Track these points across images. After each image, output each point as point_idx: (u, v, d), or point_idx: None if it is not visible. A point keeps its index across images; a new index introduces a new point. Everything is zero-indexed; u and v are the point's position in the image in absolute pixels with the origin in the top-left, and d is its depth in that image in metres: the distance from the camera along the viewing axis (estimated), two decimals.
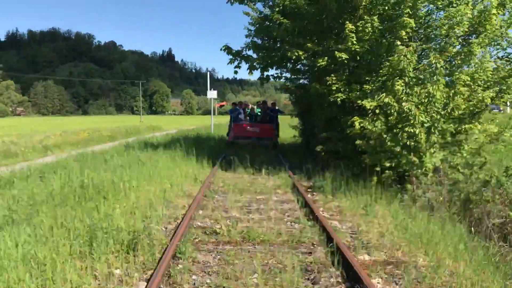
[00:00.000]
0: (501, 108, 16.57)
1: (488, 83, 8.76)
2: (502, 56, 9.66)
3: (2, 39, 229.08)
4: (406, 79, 7.67)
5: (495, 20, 8.60)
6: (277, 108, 18.58)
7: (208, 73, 58.75)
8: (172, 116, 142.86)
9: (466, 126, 8.33)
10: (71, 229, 4.64)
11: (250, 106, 19.63)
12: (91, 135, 24.47)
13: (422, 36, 9.32)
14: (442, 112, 7.48)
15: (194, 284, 3.91)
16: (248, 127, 16.29)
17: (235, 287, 3.79)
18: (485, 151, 9.44)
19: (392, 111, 7.58)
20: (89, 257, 4.11)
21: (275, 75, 13.04)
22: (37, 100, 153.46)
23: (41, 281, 3.55)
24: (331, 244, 4.78)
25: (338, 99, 8.98)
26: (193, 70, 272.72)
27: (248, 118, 17.57)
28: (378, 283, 3.97)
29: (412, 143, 7.32)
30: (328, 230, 5.25)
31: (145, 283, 3.78)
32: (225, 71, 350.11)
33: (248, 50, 12.74)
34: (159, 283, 3.73)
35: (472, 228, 6.13)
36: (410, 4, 8.30)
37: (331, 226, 5.67)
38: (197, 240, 5.20)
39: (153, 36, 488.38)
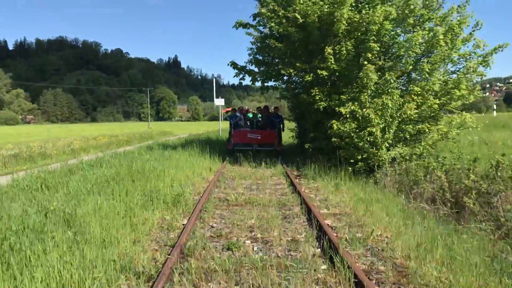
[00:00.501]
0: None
1: (440, 93, 11.30)
2: (454, 71, 12.18)
3: (11, 48, 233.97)
4: (369, 91, 10.25)
5: (443, 44, 11.15)
6: (279, 113, 17.50)
7: (214, 79, 61.67)
8: (179, 123, 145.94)
9: (420, 126, 10.86)
10: (135, 195, 7.25)
11: (251, 110, 19.41)
12: (110, 140, 27.24)
13: (386, 56, 11.87)
14: (395, 115, 10.01)
15: (216, 223, 6.48)
16: (249, 134, 15.75)
17: (240, 225, 6.35)
18: (442, 145, 12.05)
19: (358, 115, 10.16)
20: (150, 209, 6.70)
21: (274, 86, 15.67)
22: (46, 108, 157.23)
23: (126, 220, 6.12)
24: (305, 205, 7.34)
25: (321, 107, 11.56)
26: (199, 77, 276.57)
27: (248, 124, 17.18)
28: (328, 222, 6.51)
29: (371, 139, 9.87)
30: (304, 198, 7.80)
31: (186, 221, 6.37)
32: (230, 77, 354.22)
33: (251, 65, 15.45)
34: (195, 220, 6.31)
35: (411, 199, 8.65)
36: (375, 33, 10.88)
37: (308, 197, 8.23)
38: (215, 203, 7.78)
39: (159, 43, 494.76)
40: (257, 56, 15.95)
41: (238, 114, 17.19)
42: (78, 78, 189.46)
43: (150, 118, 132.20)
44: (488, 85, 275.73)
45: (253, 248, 5.22)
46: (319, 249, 5.15)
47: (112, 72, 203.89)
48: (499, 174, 7.22)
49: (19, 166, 16.63)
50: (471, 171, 7.89)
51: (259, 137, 15.60)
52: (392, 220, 6.28)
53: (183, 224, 6.20)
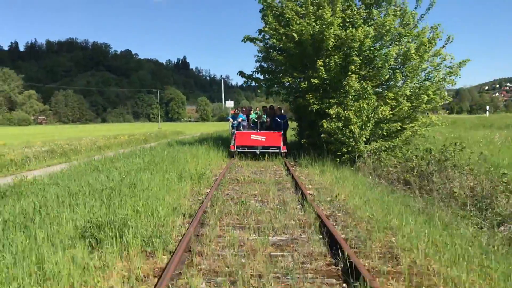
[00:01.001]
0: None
1: (412, 97, 13.91)
2: (426, 79, 14.76)
3: (22, 50, 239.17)
4: (350, 97, 12.93)
5: (416, 57, 13.76)
6: (282, 113, 17.56)
7: (223, 80, 64.50)
8: (188, 123, 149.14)
9: (393, 125, 13.49)
10: (170, 173, 10.01)
11: (257, 110, 18.93)
12: (130, 139, 30.16)
13: (369, 67, 14.49)
14: (370, 116, 12.67)
15: (230, 192, 9.19)
16: (253, 135, 15.39)
17: (247, 193, 9.05)
18: (423, 141, 14.70)
19: (341, 116, 12.84)
20: (183, 182, 9.44)
21: (276, 91, 18.35)
22: (58, 109, 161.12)
23: (168, 188, 8.84)
24: (294, 182, 10.03)
25: (314, 109, 14.24)
26: (208, 78, 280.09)
27: (252, 125, 16.89)
28: (309, 192, 9.19)
29: (352, 135, 12.54)
30: (295, 178, 10.50)
31: (209, 190, 9.10)
32: (238, 78, 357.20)
33: (257, 73, 18.18)
34: (214, 190, 9.03)
35: (383, 181, 11.28)
36: (357, 49, 13.54)
37: (298, 177, 10.93)
38: (228, 181, 10.50)
39: (168, 44, 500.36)
40: (262, 63, 18.64)
41: (241, 115, 16.73)
42: (88, 79, 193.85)
43: (159, 119, 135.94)
44: (498, 86, 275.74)
45: (255, 204, 7.93)
46: (300, 205, 7.83)
47: (122, 73, 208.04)
48: (437, 158, 9.88)
49: (56, 160, 19.54)
50: (421, 158, 10.55)
51: (263, 139, 15.27)
52: (354, 190, 8.94)
53: (207, 192, 8.94)
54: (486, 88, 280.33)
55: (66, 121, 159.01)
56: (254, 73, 18.07)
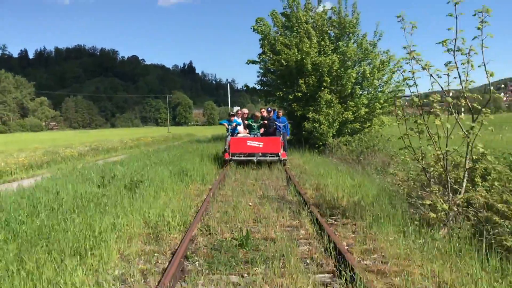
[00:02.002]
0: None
1: (369, 105, 19.68)
2: (380, 90, 20.51)
3: (31, 57, 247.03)
4: (321, 105, 18.75)
5: (370, 76, 19.54)
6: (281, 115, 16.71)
7: (228, 84, 70.38)
8: (195, 127, 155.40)
9: (353, 125, 19.26)
10: (190, 161, 15.87)
11: (258, 114, 16.63)
12: (152, 140, 36.18)
13: (338, 83, 20.28)
14: (335, 119, 18.46)
15: (234, 167, 15.01)
16: (249, 141, 14.38)
17: (248, 171, 14.84)
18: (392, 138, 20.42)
19: (316, 119, 18.66)
20: (211, 161, 15.27)
21: (273, 100, 24.20)
22: (68, 115, 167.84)
23: (203, 162, 14.65)
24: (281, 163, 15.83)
25: (298, 114, 20.05)
26: (214, 82, 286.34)
27: (248, 130, 15.87)
28: (288, 166, 14.96)
29: (322, 132, 18.35)
30: (284, 163, 16.29)
31: (216, 176, 14.94)
32: (244, 81, 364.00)
33: (258, 85, 24.13)
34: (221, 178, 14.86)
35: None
36: (327, 71, 19.34)
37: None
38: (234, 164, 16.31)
39: (174, 49, 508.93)
40: (262, 78, 24.55)
41: (235, 119, 15.69)
42: (97, 85, 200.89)
43: (167, 123, 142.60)
44: (503, 86, 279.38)
45: (255, 171, 13.73)
46: (284, 176, 13.56)
47: (129, 79, 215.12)
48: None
49: (103, 155, 25.46)
50: (365, 147, 16.29)
51: (261, 145, 14.26)
52: (315, 164, 14.73)
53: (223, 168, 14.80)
54: (492, 88, 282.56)
55: (77, 127, 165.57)
56: (256, 85, 24.08)
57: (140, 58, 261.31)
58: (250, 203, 8.08)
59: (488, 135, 23.11)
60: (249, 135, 15.49)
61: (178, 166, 12.52)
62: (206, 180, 11.22)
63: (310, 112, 18.98)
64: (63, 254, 4.67)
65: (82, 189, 8.11)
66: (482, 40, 6.05)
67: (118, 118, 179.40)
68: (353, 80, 19.37)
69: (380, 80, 20.14)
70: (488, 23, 6.13)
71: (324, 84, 19.29)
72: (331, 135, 18.60)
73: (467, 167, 6.49)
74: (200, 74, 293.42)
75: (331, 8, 21.39)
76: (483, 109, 6.23)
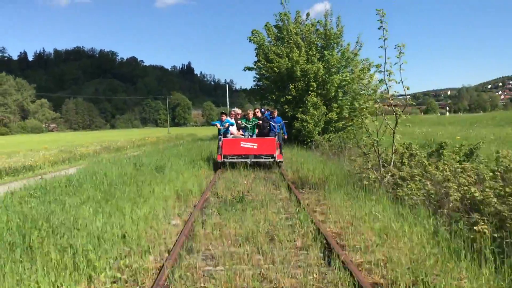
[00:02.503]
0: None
1: (350, 106, 22.72)
2: (359, 94, 23.53)
3: (30, 59, 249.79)
4: (308, 107, 21.78)
5: (350, 81, 22.57)
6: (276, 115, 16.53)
7: (227, 85, 73.28)
8: (195, 127, 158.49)
9: (336, 124, 22.29)
10: (198, 155, 18.89)
11: (250, 113, 16.10)
12: (157, 140, 39.18)
13: (324, 88, 23.29)
14: (320, 119, 21.47)
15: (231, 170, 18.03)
16: (243, 143, 14.04)
17: (241, 171, 17.84)
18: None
19: (303, 119, 21.68)
20: (210, 158, 18.30)
21: (267, 102, 27.20)
22: (69, 116, 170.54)
23: (206, 155, 17.65)
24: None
25: (289, 114, 23.06)
26: (212, 82, 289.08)
27: (241, 131, 15.55)
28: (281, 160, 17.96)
29: (309, 130, 21.36)
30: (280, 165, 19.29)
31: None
32: (243, 82, 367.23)
33: (255, 88, 27.16)
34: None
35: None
36: (313, 77, 22.37)
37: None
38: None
39: (173, 50, 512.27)
40: (258, 83, 27.57)
41: (227, 119, 15.24)
42: (96, 87, 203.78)
43: (166, 124, 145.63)
44: (501, 84, 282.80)
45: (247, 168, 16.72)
46: (278, 169, 16.50)
47: (129, 80, 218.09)
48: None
49: (115, 153, 28.41)
50: (344, 142, 19.28)
51: (255, 147, 13.99)
52: (302, 157, 17.72)
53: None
54: (489, 86, 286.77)
55: (77, 128, 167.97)
56: (253, 88, 27.14)
57: (139, 60, 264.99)
58: (245, 182, 11.08)
59: (461, 131, 26.20)
60: (242, 136, 15.14)
61: (189, 158, 15.52)
62: (211, 167, 14.18)
63: (299, 113, 21.98)
64: (128, 204, 7.68)
65: (122, 171, 11.13)
66: (400, 65, 9.14)
67: (118, 119, 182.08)
68: (336, 85, 22.37)
69: (360, 84, 23.14)
70: (404, 53, 9.18)
71: (311, 88, 22.29)
72: (317, 132, 21.61)
73: (394, 151, 9.55)
74: (198, 75, 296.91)
75: (318, 22, 24.41)
76: (405, 111, 9.25)
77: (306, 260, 5.03)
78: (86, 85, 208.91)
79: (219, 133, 15.17)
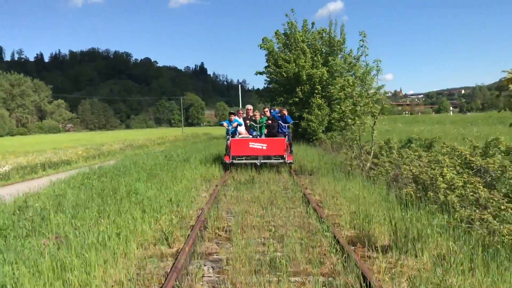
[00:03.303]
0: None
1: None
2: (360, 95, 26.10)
3: (47, 60, 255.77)
4: (313, 108, 24.43)
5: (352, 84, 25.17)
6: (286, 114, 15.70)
7: (239, 85, 75.85)
8: (208, 127, 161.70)
9: (340, 123, 24.91)
10: (215, 150, 21.66)
11: (257, 114, 15.57)
12: (175, 138, 42.14)
13: (325, 91, 25.90)
14: (324, 119, 24.10)
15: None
16: (251, 143, 13.67)
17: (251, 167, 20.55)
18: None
19: (309, 118, 24.34)
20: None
21: (277, 103, 29.90)
22: (84, 117, 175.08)
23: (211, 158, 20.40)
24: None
25: (296, 115, 25.73)
26: (225, 83, 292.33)
27: (251, 131, 15.14)
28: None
29: (313, 129, 24.01)
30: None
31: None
32: (255, 82, 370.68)
33: (265, 89, 29.92)
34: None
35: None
36: (318, 81, 25.01)
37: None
38: None
39: (186, 51, 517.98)
40: (268, 86, 30.29)
41: (236, 119, 14.82)
42: (111, 87, 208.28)
43: (180, 124, 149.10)
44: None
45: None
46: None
47: (143, 81, 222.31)
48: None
49: (138, 150, 31.36)
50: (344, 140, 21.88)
51: (264, 147, 13.63)
52: (305, 152, 20.38)
53: None
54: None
55: (93, 128, 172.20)
56: (264, 86, 30.01)
57: (152, 60, 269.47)
58: (256, 169, 13.83)
59: (451, 129, 28.57)
60: (250, 136, 14.77)
61: (208, 152, 18.30)
62: None
63: (305, 113, 24.65)
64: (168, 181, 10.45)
65: (156, 161, 13.95)
66: (377, 75, 11.77)
67: (132, 119, 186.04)
68: (338, 88, 24.92)
69: (362, 87, 25.67)
70: (380, 68, 11.81)
71: (316, 91, 24.94)
72: (321, 131, 24.25)
73: (373, 144, 12.22)
74: (211, 76, 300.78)
75: (323, 30, 27.03)
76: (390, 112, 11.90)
77: (294, 213, 7.72)
78: (101, 86, 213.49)
79: (227, 133, 14.68)
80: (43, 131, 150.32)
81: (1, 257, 4.84)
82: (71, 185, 10.40)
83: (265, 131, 15.31)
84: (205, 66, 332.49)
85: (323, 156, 16.73)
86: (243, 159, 13.71)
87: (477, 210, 6.06)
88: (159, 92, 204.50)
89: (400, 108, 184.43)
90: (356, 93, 13.76)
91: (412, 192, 7.57)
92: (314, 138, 24.48)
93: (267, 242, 5.72)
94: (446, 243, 5.27)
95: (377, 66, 12.06)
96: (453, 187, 6.97)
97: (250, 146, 13.67)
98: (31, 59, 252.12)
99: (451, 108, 79.05)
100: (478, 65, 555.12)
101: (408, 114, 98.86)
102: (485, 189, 6.48)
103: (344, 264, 4.75)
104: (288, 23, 27.58)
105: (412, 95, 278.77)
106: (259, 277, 4.42)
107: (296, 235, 5.94)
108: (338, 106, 24.90)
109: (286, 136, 14.81)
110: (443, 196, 6.85)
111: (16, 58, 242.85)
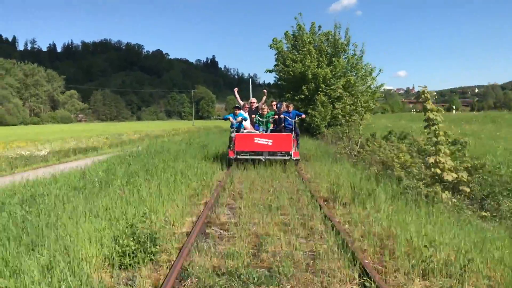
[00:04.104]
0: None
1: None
2: (362, 93, 28.76)
3: (59, 51, 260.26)
4: (317, 104, 27.14)
5: (353, 83, 27.85)
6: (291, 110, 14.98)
7: (250, 79, 78.60)
8: (219, 120, 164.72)
9: (341, 119, 27.63)
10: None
11: (265, 108, 14.99)
12: (188, 130, 45.06)
13: (328, 89, 28.56)
14: (326, 115, 26.80)
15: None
16: (256, 138, 13.41)
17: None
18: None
19: (313, 114, 27.05)
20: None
21: (285, 99, 32.61)
22: (96, 108, 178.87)
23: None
24: None
25: (302, 111, 28.41)
26: (236, 76, 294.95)
27: (257, 126, 14.75)
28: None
29: (317, 124, 26.73)
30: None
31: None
32: (266, 76, 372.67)
33: (274, 87, 32.68)
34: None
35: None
36: (322, 80, 27.69)
37: None
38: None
39: (197, 43, 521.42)
40: (278, 82, 33.02)
41: (241, 113, 14.53)
42: (123, 79, 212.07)
43: (190, 117, 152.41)
44: None
45: None
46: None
47: (154, 73, 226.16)
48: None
49: (156, 140, 34.25)
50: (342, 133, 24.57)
51: (270, 143, 13.37)
52: (310, 144, 23.10)
53: None
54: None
55: (104, 119, 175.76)
56: (274, 81, 32.81)
57: (164, 53, 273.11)
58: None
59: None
60: (256, 131, 14.42)
61: (222, 141, 21.13)
62: None
63: (310, 110, 27.36)
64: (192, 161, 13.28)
65: (179, 147, 16.79)
66: (372, 78, 14.50)
67: (143, 111, 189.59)
68: (341, 87, 27.60)
69: (364, 86, 28.36)
70: (372, 75, 14.53)
71: (320, 89, 27.60)
72: (323, 126, 26.95)
73: (359, 137, 14.96)
74: (222, 69, 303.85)
75: (329, 32, 29.66)
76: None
77: (287, 183, 10.47)
78: (113, 77, 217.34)
79: (231, 127, 14.40)
80: (55, 121, 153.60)
81: (97, 200, 7.69)
82: (114, 163, 13.26)
83: (271, 126, 14.87)
84: (216, 59, 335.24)
85: (321, 147, 19.42)
86: (247, 155, 13.45)
87: (415, 181, 8.80)
88: (170, 85, 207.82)
89: (411, 105, 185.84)
90: (355, 92, 16.29)
91: (375, 170, 10.30)
92: (317, 132, 27.17)
93: (266, 198, 8.47)
94: (385, 199, 8.01)
95: (371, 69, 14.58)
96: (404, 165, 9.70)
97: (255, 141, 13.33)
98: (44, 49, 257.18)
99: (453, 107, 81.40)
100: (493, 63, 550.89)
101: (415, 112, 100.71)
102: (425, 167, 9.22)
103: (316, 211, 7.49)
104: (297, 25, 30.24)
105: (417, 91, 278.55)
106: (259, 214, 7.17)
107: (287, 196, 8.68)
108: (340, 103, 27.72)
109: (293, 132, 14.20)
110: (397, 172, 9.59)
111: (29, 48, 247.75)
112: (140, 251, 4.88)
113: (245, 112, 14.83)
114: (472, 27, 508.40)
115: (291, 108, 15.12)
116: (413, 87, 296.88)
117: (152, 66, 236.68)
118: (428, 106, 7.86)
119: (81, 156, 23.31)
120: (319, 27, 30.60)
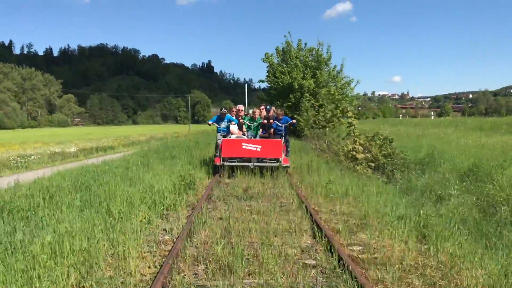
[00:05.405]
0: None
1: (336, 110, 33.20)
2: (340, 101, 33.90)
3: (55, 55, 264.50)
4: (302, 111, 32.23)
5: (334, 92, 33.01)
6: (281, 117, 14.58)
7: (246, 84, 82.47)
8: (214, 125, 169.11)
9: (322, 123, 32.77)
10: None
11: (257, 111, 15.22)
12: (188, 133, 49.98)
13: (315, 96, 33.66)
14: (310, 119, 31.88)
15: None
16: (245, 144, 12.96)
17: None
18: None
19: (298, 119, 32.13)
20: None
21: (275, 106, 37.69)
22: (93, 112, 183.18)
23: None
24: None
25: (289, 116, 33.48)
26: (231, 81, 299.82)
27: (247, 131, 14.67)
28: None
29: (301, 127, 31.80)
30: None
31: None
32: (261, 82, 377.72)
33: (267, 93, 37.78)
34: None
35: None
36: (306, 89, 32.78)
37: None
38: None
39: (193, 48, 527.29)
40: (269, 91, 38.09)
41: (228, 115, 14.17)
42: (119, 83, 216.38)
43: (186, 121, 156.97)
44: None
45: None
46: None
47: (150, 77, 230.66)
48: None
49: (160, 141, 39.15)
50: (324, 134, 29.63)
51: (258, 149, 13.06)
52: (297, 144, 28.09)
53: None
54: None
55: (101, 123, 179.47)
56: (265, 95, 37.79)
57: (160, 57, 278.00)
58: None
59: (417, 131, 36.24)
60: (244, 136, 14.24)
61: None
62: None
63: (296, 115, 32.43)
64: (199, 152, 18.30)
65: (187, 144, 21.78)
66: (351, 86, 19.66)
67: (139, 115, 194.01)
68: (323, 95, 32.67)
69: (342, 95, 33.42)
70: (350, 85, 19.67)
71: (305, 98, 32.67)
72: (307, 129, 31.99)
73: (326, 137, 20.09)
74: (218, 74, 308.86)
75: (312, 48, 34.79)
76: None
77: (277, 178, 15.44)
78: (109, 81, 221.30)
79: (217, 131, 14.14)
80: (52, 125, 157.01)
81: (146, 175, 12.72)
82: (141, 155, 18.19)
83: (259, 131, 15.03)
84: (212, 64, 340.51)
85: (302, 145, 24.48)
86: (235, 161, 13.09)
87: (348, 161, 13.81)
88: (166, 89, 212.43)
89: (404, 111, 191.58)
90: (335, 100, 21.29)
91: (327, 156, 15.32)
92: (302, 134, 32.24)
93: (250, 184, 13.38)
94: (324, 170, 13.01)
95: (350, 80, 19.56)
96: (348, 154, 14.74)
97: (243, 147, 12.98)
98: (40, 53, 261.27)
99: (432, 113, 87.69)
100: (487, 69, 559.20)
101: (406, 117, 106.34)
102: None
103: (283, 176, 12.43)
104: (286, 41, 35.35)
105: (419, 98, 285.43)
106: (248, 177, 12.14)
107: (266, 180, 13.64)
108: (322, 110, 32.94)
109: (283, 138, 14.14)
110: (340, 157, 14.62)
111: (25, 52, 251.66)
112: (187, 188, 9.94)
113: (233, 115, 14.52)
114: (468, 34, 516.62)
115: (281, 115, 14.80)
116: (408, 93, 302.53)
117: (148, 71, 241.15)
118: (349, 114, 12.87)
119: (101, 154, 28.20)
120: (305, 44, 35.75)
